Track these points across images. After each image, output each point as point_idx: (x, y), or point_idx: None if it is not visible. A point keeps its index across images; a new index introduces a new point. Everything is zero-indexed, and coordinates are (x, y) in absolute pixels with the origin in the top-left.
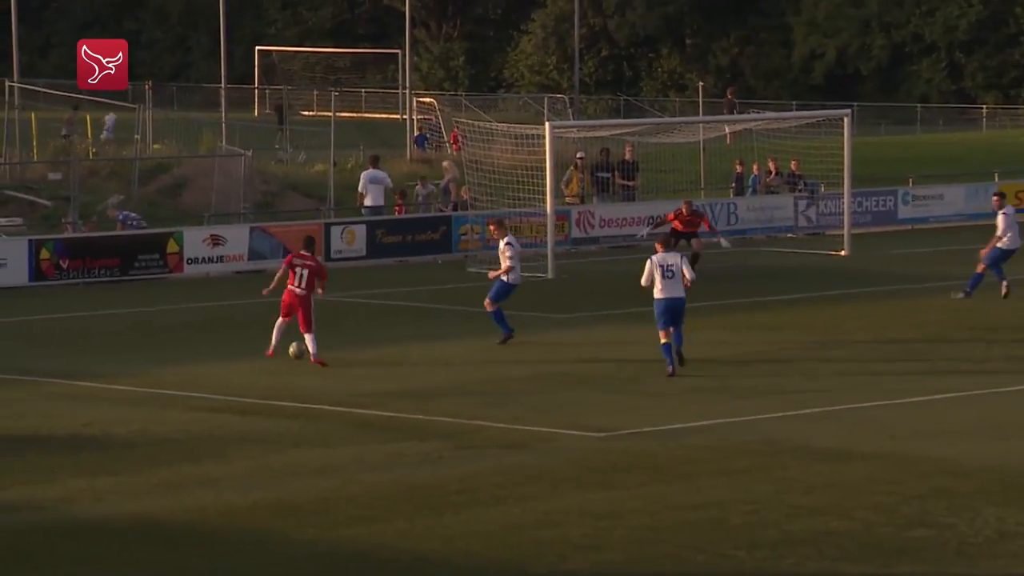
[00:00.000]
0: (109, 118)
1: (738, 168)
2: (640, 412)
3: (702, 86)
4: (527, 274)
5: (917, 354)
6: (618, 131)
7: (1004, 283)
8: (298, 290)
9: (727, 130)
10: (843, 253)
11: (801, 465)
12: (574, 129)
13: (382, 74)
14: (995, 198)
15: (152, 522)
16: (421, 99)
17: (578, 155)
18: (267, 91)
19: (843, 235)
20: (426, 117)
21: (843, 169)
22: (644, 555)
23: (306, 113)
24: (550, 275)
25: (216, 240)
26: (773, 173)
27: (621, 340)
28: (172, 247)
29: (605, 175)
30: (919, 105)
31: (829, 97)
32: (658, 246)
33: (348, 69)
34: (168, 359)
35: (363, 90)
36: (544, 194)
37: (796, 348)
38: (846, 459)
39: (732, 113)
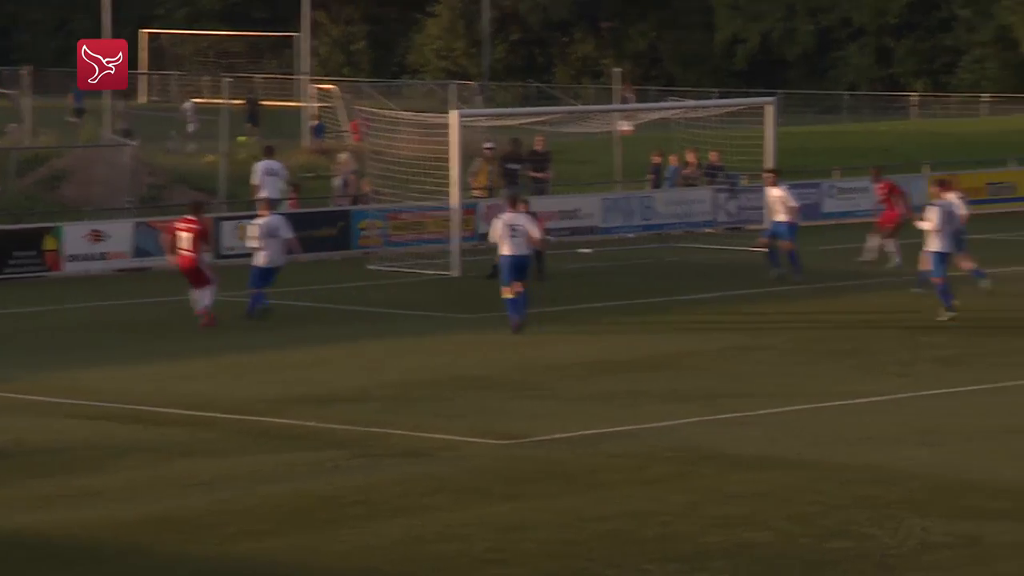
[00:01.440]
0: None
1: (655, 159)
2: (550, 418)
3: (618, 72)
4: (430, 272)
5: (842, 356)
6: (529, 120)
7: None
8: (184, 252)
9: (622, 127)
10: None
11: (719, 473)
12: (483, 118)
13: (278, 59)
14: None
15: (30, 538)
16: (320, 86)
17: (486, 145)
18: (155, 76)
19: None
20: (325, 105)
21: (765, 160)
22: (552, 569)
23: (197, 100)
24: (455, 272)
25: (98, 236)
26: (692, 165)
27: (530, 342)
28: (50, 244)
29: (515, 167)
30: (846, 93)
31: (752, 84)
32: (508, 207)
33: (242, 54)
34: (46, 363)
35: (258, 76)
36: (450, 187)
37: (715, 349)
38: (766, 467)
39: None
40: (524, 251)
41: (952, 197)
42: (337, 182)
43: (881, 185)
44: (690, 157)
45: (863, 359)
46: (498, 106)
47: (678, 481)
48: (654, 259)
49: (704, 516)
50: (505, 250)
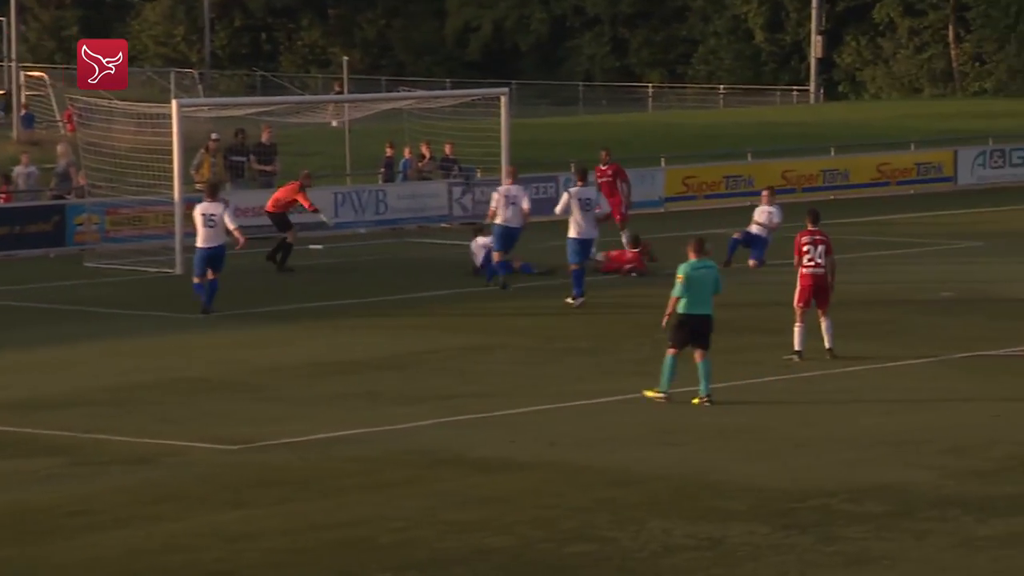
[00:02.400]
0: None
1: (388, 152)
2: (280, 422)
3: (347, 61)
4: (152, 270)
5: (581, 354)
6: (254, 110)
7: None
8: None
9: (333, 122)
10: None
11: (457, 477)
12: (205, 108)
13: None
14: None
15: None
16: (29, 73)
17: (212, 137)
18: None
19: None
20: (35, 93)
21: (501, 153)
22: None
23: None
24: (178, 270)
25: None
26: (427, 157)
27: (260, 342)
28: None
29: (240, 159)
30: (581, 84)
31: (486, 74)
32: (206, 197)
33: None
34: None
35: None
36: (172, 180)
37: (452, 348)
38: (505, 469)
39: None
40: (219, 242)
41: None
42: (59, 169)
43: (608, 168)
44: (424, 150)
45: (602, 357)
46: (221, 95)
47: (414, 485)
48: (388, 255)
49: (441, 521)
50: (200, 242)
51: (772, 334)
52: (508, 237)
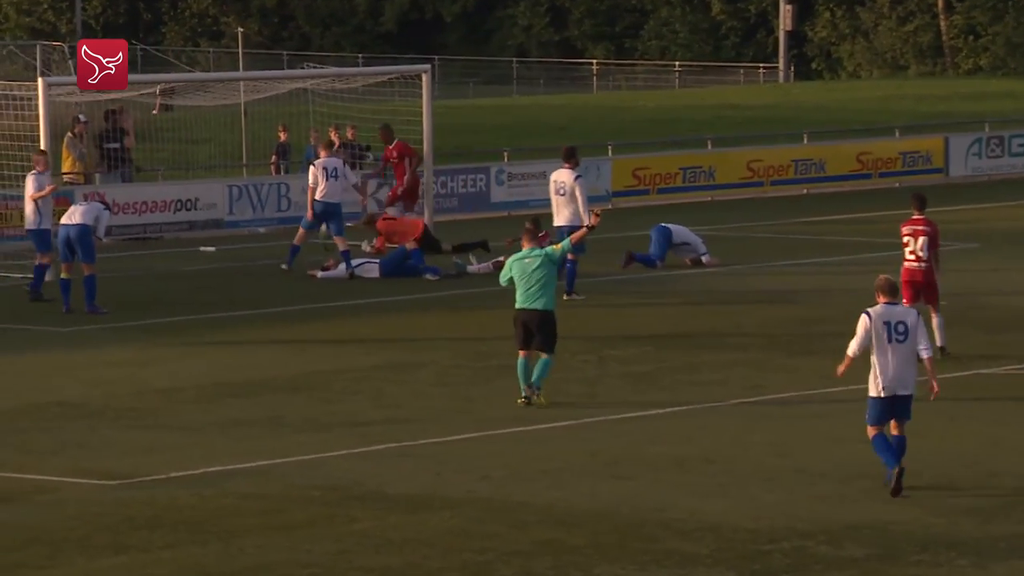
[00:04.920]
0: None
1: (281, 136)
2: (167, 452)
3: (242, 33)
4: (17, 276)
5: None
6: (133, 91)
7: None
8: None
9: (154, 110)
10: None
11: (374, 516)
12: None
13: None
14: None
15: None
16: None
17: (80, 119)
18: None
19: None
20: None
21: (422, 140)
22: None
23: None
24: (51, 276)
25: None
26: (336, 145)
27: (142, 360)
28: None
29: (114, 146)
30: (515, 60)
31: (404, 49)
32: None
33: None
34: None
35: None
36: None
37: (367, 367)
38: (429, 507)
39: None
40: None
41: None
42: None
43: (394, 146)
44: (332, 136)
45: None
46: None
47: (325, 526)
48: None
49: (357, 568)
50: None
51: (735, 349)
52: (330, 214)
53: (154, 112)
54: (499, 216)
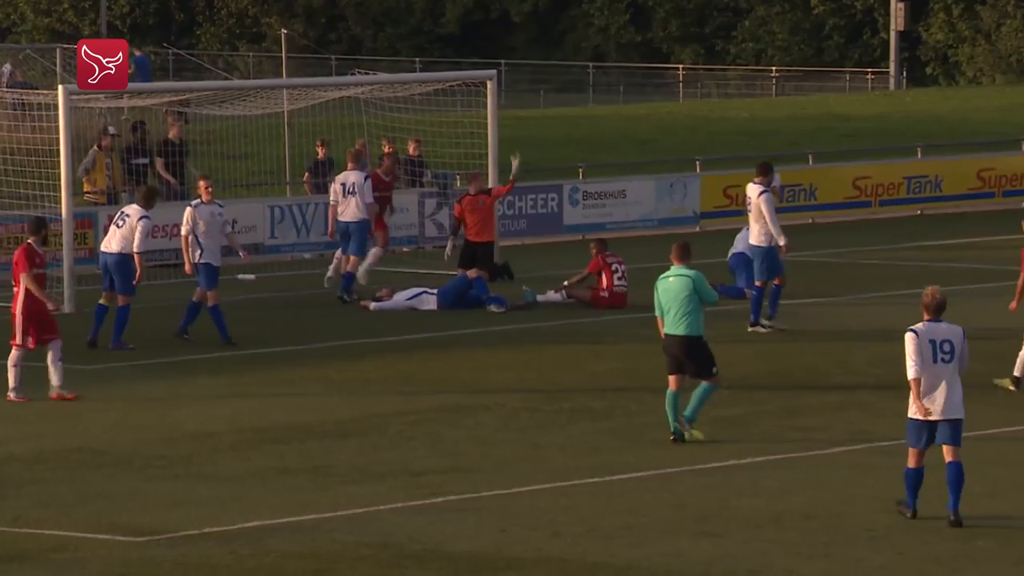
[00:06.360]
0: None
1: (319, 152)
2: (200, 505)
3: (285, 35)
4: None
5: (592, 416)
6: (164, 99)
7: None
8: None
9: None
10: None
11: None
12: (101, 96)
13: None
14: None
15: None
16: None
17: (108, 132)
18: None
19: None
20: None
21: (487, 155)
22: None
23: None
24: (68, 307)
25: None
26: (386, 161)
27: (173, 401)
28: None
29: (142, 162)
30: (591, 65)
31: (466, 53)
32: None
33: None
34: None
35: None
36: (59, 189)
37: (422, 410)
38: (494, 568)
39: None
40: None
41: None
42: None
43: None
44: (386, 148)
45: (619, 421)
46: None
47: None
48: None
49: None
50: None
51: (839, 391)
52: (347, 233)
53: (171, 136)
54: (572, 240)
